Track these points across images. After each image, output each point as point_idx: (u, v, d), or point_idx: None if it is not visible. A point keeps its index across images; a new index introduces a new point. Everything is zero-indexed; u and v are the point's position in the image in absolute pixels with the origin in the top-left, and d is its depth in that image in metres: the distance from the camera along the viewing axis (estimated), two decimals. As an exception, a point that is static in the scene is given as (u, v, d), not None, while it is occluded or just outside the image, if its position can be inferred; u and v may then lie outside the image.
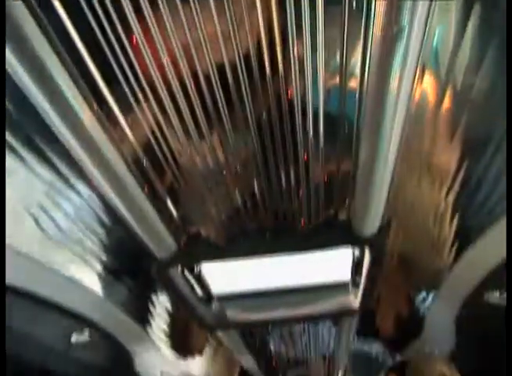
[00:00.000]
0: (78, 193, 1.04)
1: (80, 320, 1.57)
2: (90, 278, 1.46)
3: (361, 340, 2.44)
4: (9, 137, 0.83)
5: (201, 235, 1.17)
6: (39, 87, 0.64)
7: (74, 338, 1.60)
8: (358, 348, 2.58)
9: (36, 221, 1.11)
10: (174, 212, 1.08)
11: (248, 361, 2.55)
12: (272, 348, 2.43)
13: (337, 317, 1.94)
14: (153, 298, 1.71)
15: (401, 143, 0.81)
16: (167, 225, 1.09)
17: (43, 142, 0.86)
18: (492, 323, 1.64)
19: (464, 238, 1.33)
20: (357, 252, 1.30)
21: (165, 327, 1.96)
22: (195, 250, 1.20)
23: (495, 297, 1.44)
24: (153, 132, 0.81)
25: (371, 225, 1.09)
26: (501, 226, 1.15)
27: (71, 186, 1.01)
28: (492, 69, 0.82)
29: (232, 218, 1.11)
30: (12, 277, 1.14)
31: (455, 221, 1.25)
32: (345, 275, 1.54)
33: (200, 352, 2.45)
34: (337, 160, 0.95)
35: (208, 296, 1.59)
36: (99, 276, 1.47)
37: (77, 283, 1.44)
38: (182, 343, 2.21)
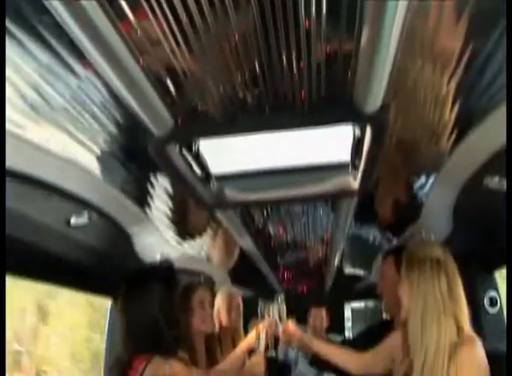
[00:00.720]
0: (73, 72, 1.03)
1: (79, 202, 1.63)
2: (88, 160, 1.50)
3: (358, 224, 2.56)
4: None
5: (199, 111, 1.18)
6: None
7: (73, 220, 1.67)
8: (355, 232, 2.72)
9: (31, 103, 1.13)
10: (172, 87, 1.08)
11: (247, 243, 2.69)
12: (270, 230, 2.55)
13: (336, 199, 2.02)
14: (152, 179, 1.76)
15: (405, 23, 0.80)
16: (164, 101, 1.10)
17: (38, 21, 0.86)
18: (490, 209, 1.72)
19: (465, 123, 1.35)
20: (358, 131, 1.31)
21: (164, 208, 2.03)
22: (192, 126, 1.22)
23: (494, 182, 1.48)
24: (151, 7, 0.80)
25: (373, 102, 1.10)
26: (501, 112, 1.17)
27: (66, 66, 1.00)
28: None
29: (231, 94, 1.12)
30: (9, 160, 1.18)
31: (456, 106, 1.25)
32: (345, 156, 1.57)
33: (200, 234, 2.61)
34: (340, 37, 0.94)
35: (207, 175, 1.63)
36: (97, 157, 1.50)
37: (75, 165, 1.48)
38: (182, 224, 2.33)
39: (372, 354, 1.97)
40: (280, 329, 2.24)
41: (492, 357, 1.58)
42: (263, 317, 2.44)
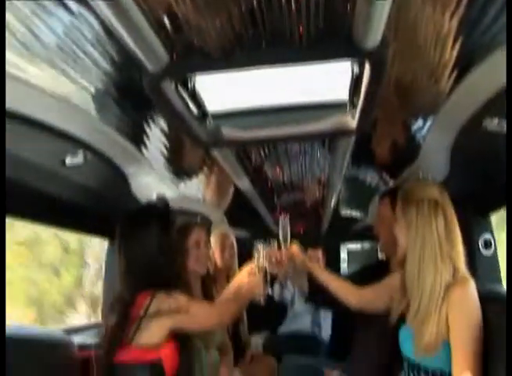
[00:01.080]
0: (66, 8, 1.02)
1: (74, 142, 1.65)
2: (83, 98, 1.50)
3: (355, 166, 2.57)
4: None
5: (195, 46, 1.17)
6: None
7: (69, 160, 1.69)
8: (352, 173, 2.73)
9: (23, 41, 1.13)
10: (167, 22, 1.07)
11: (244, 183, 2.71)
12: (267, 170, 2.57)
13: (334, 138, 2.03)
14: (148, 117, 1.76)
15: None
16: (159, 36, 1.09)
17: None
18: (488, 151, 1.72)
19: (465, 63, 1.34)
20: (356, 68, 1.31)
21: (161, 147, 2.04)
22: (188, 61, 1.21)
23: (493, 124, 1.48)
24: None
25: (372, 38, 1.09)
26: (502, 53, 1.17)
27: (59, 2, 0.99)
28: None
29: (228, 28, 1.10)
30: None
31: (457, 45, 1.24)
32: (343, 94, 1.56)
33: (196, 173, 2.63)
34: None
35: (203, 113, 1.63)
36: (92, 96, 1.50)
37: (69, 104, 1.49)
38: (178, 164, 2.34)
39: (372, 290, 2.01)
40: (284, 251, 2.24)
41: (485, 298, 1.64)
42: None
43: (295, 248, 2.24)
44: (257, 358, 3.32)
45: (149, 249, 1.85)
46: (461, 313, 1.62)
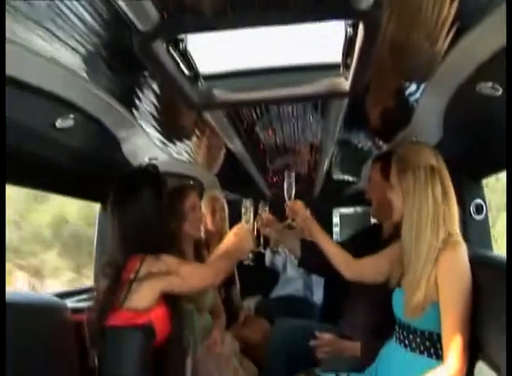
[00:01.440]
0: None
1: (64, 105, 1.63)
2: (72, 59, 1.48)
3: (348, 130, 2.57)
4: None
5: (187, 5, 1.15)
6: None
7: (59, 123, 1.68)
8: (345, 137, 2.73)
9: (11, 2, 1.09)
10: None
11: (236, 146, 2.71)
12: (260, 133, 2.56)
13: (327, 101, 2.02)
14: (139, 79, 1.74)
15: None
16: None
17: None
18: (482, 115, 1.73)
19: (461, 25, 1.31)
20: (350, 29, 1.30)
21: (152, 110, 2.02)
22: (180, 20, 1.20)
23: (488, 88, 1.47)
24: None
25: None
26: (500, 13, 1.14)
27: None
28: None
29: None
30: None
31: (454, 4, 1.21)
32: (337, 56, 1.55)
33: (188, 136, 2.62)
34: None
35: (195, 75, 1.62)
36: (82, 57, 1.48)
37: (58, 65, 1.47)
38: (170, 126, 2.32)
39: (372, 262, 2.01)
40: (288, 204, 2.26)
41: (475, 262, 1.68)
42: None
43: (299, 203, 2.26)
44: (249, 321, 3.39)
45: (141, 213, 1.85)
46: (451, 276, 1.65)
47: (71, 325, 1.87)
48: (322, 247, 2.09)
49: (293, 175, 2.34)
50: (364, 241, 2.45)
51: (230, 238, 2.12)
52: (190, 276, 1.87)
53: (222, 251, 2.08)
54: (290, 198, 2.29)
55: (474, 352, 1.63)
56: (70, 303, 2.06)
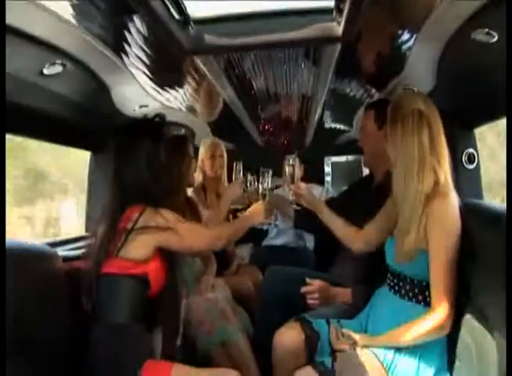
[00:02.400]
0: None
1: (52, 51, 1.61)
2: (60, 5, 1.45)
3: (340, 78, 2.54)
4: None
5: None
6: None
7: (47, 70, 1.66)
8: (337, 86, 2.71)
9: None
10: None
11: (228, 93, 2.70)
12: (252, 80, 2.54)
13: (319, 46, 1.98)
14: (129, 25, 1.70)
15: None
16: None
17: None
18: (476, 62, 1.71)
19: None
20: None
21: (142, 56, 1.99)
22: None
23: (482, 34, 1.46)
24: None
25: None
26: None
27: None
28: None
29: None
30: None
31: None
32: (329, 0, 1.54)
33: (180, 84, 2.56)
34: None
35: (185, 19, 1.60)
36: (70, 2, 1.45)
37: (47, 11, 1.44)
38: (161, 73, 2.29)
39: (373, 227, 2.04)
40: (292, 188, 2.30)
41: (466, 210, 1.71)
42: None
43: (303, 185, 2.29)
44: (242, 268, 3.48)
45: (143, 164, 1.84)
46: (440, 224, 1.68)
47: (63, 273, 1.88)
48: (327, 224, 2.16)
49: (294, 157, 2.36)
50: (357, 193, 2.49)
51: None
52: (189, 236, 1.85)
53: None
54: (293, 182, 2.32)
55: (463, 302, 1.68)
56: (60, 252, 2.07)
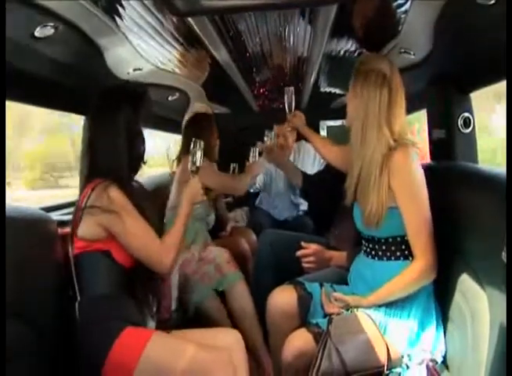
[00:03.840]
0: None
1: (44, 12, 1.57)
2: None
3: (336, 40, 2.53)
4: None
5: None
6: None
7: (38, 32, 1.63)
8: (332, 48, 2.69)
9: None
10: None
11: (222, 55, 2.68)
12: (246, 42, 2.52)
13: (315, 8, 1.97)
14: None
15: None
16: None
17: None
18: (474, 26, 1.69)
19: None
20: None
21: (136, 17, 1.95)
22: None
23: None
24: None
25: None
26: None
27: None
28: None
29: None
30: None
31: None
32: None
33: (174, 46, 2.53)
34: None
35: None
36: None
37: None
38: (155, 35, 2.22)
39: (345, 149, 2.12)
40: (290, 117, 2.48)
41: (461, 174, 1.72)
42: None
43: (298, 113, 2.46)
44: (237, 231, 3.52)
45: (116, 133, 1.82)
46: (403, 178, 1.72)
47: (58, 238, 1.88)
48: (312, 142, 2.37)
49: (292, 89, 2.48)
50: None
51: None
52: (132, 228, 1.74)
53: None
54: (290, 110, 2.47)
55: (455, 263, 1.72)
56: (55, 216, 2.07)
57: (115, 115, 1.82)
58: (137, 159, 1.92)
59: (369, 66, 1.81)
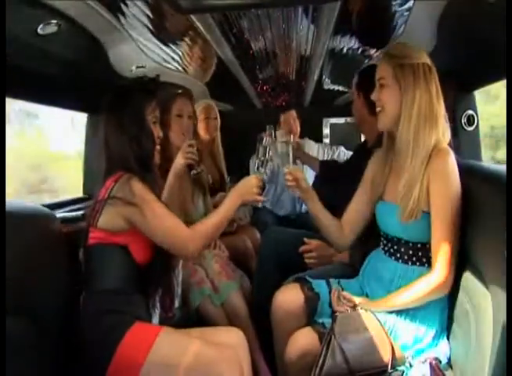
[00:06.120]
0: None
1: (47, 10, 1.57)
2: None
3: (339, 38, 2.52)
4: None
5: None
6: None
7: (41, 30, 1.63)
8: (335, 46, 2.68)
9: None
10: None
11: (226, 53, 2.68)
12: (250, 40, 2.51)
13: (318, 5, 1.96)
14: None
15: None
16: None
17: None
18: (478, 22, 1.69)
19: None
20: None
21: (139, 15, 1.95)
22: None
23: None
24: None
25: None
26: None
27: None
28: None
29: None
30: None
31: None
32: None
33: (178, 44, 2.52)
34: None
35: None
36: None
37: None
38: (158, 33, 2.25)
39: (354, 207, 2.03)
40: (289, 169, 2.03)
41: (465, 171, 1.71)
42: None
43: (300, 171, 2.08)
44: (241, 228, 3.52)
45: (128, 127, 1.82)
46: (441, 182, 1.66)
47: (62, 235, 1.89)
48: (316, 219, 2.07)
49: (291, 139, 2.22)
50: (360, 160, 2.49)
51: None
52: (153, 219, 1.74)
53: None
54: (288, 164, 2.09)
55: (462, 262, 1.69)
56: (58, 214, 2.06)
57: (129, 110, 1.83)
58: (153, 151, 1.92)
59: (415, 59, 1.74)
